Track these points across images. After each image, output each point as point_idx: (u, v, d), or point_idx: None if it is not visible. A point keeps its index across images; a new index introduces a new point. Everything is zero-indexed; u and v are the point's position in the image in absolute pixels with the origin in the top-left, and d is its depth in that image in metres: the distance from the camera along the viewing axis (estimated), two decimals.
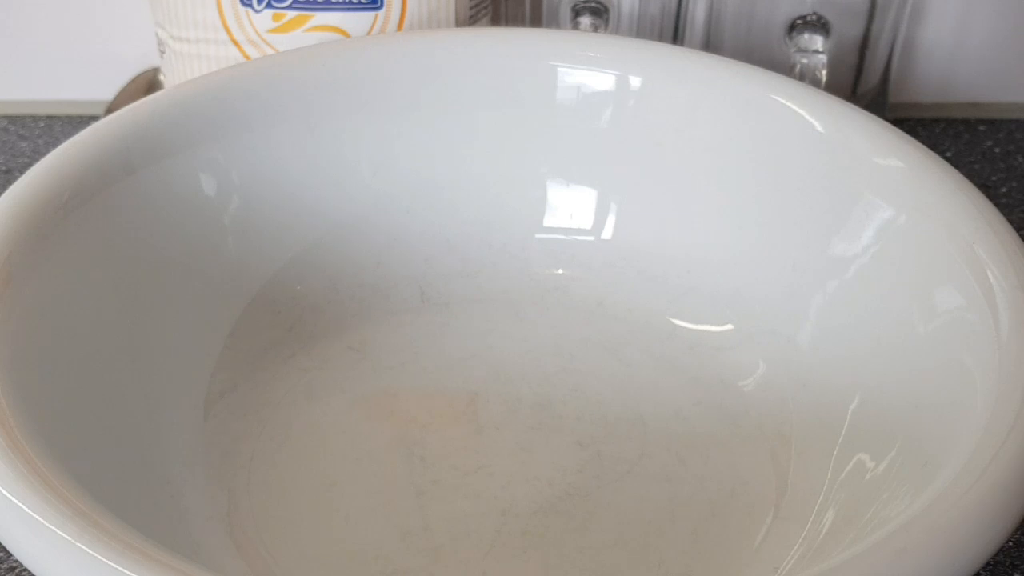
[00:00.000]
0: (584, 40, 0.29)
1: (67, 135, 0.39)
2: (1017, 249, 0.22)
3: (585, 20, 0.36)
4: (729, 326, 0.27)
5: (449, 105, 0.29)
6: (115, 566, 0.16)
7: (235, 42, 0.32)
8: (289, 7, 0.31)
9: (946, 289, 0.22)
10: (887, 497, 0.20)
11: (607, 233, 0.29)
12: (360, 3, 0.31)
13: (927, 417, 0.21)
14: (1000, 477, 0.17)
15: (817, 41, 0.35)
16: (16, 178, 0.23)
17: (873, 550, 0.16)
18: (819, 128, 0.26)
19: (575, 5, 0.36)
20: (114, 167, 0.24)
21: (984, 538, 0.16)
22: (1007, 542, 0.20)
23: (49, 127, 0.40)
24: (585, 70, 0.29)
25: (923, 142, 0.25)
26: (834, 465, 0.23)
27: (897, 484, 0.20)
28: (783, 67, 0.35)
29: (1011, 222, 0.25)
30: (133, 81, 0.39)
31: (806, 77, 0.35)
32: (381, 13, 0.31)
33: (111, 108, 0.38)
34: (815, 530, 0.22)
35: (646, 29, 0.36)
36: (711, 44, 0.36)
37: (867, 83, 0.37)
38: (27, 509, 0.16)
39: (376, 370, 0.27)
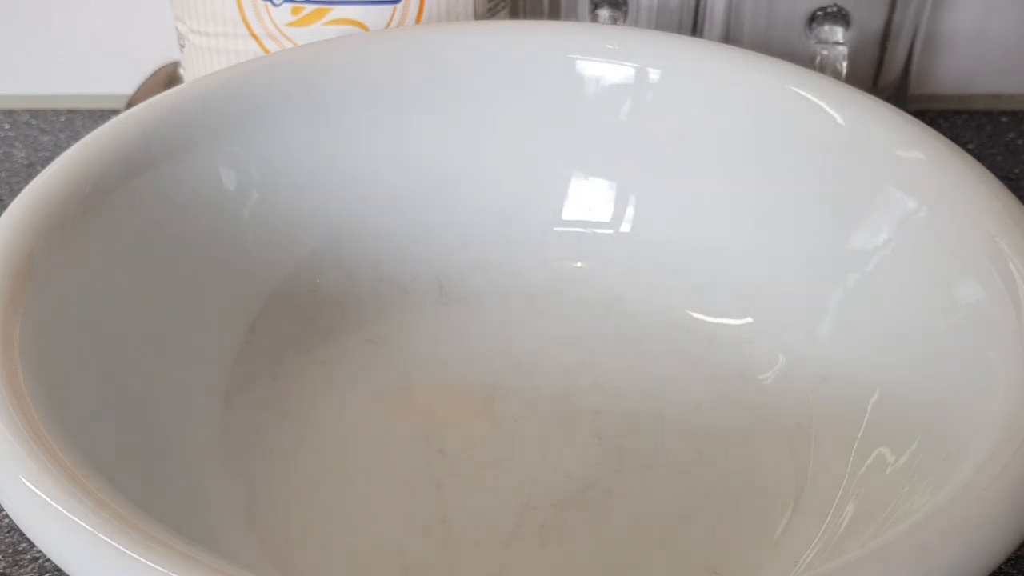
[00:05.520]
0: (603, 33, 0.29)
1: (88, 129, 0.39)
2: None
3: (604, 12, 0.35)
4: (748, 319, 0.27)
5: (467, 98, 0.29)
6: (137, 557, 0.16)
7: (254, 36, 0.32)
8: (308, 1, 0.31)
9: (967, 282, 0.22)
10: (907, 491, 0.20)
11: (626, 226, 0.29)
12: None
13: (948, 411, 0.21)
14: (1022, 471, 0.17)
15: (838, 32, 0.35)
16: (38, 172, 0.24)
17: (893, 545, 0.16)
18: (839, 120, 0.26)
19: None
20: (135, 161, 0.24)
21: (1006, 533, 0.16)
22: None
23: (70, 121, 0.40)
24: (604, 63, 0.28)
25: (945, 134, 0.25)
26: (854, 459, 0.23)
27: (918, 478, 0.20)
28: (803, 59, 0.35)
29: None
30: (153, 75, 0.40)
31: (827, 69, 0.35)
32: (399, 7, 0.31)
33: (132, 102, 0.38)
34: (835, 524, 0.21)
35: (665, 21, 0.36)
36: (731, 36, 0.36)
37: (888, 75, 0.37)
38: (49, 500, 0.16)
39: (394, 363, 0.27)
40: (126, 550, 0.16)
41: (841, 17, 0.35)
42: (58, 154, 0.24)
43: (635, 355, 0.27)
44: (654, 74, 0.28)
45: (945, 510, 0.17)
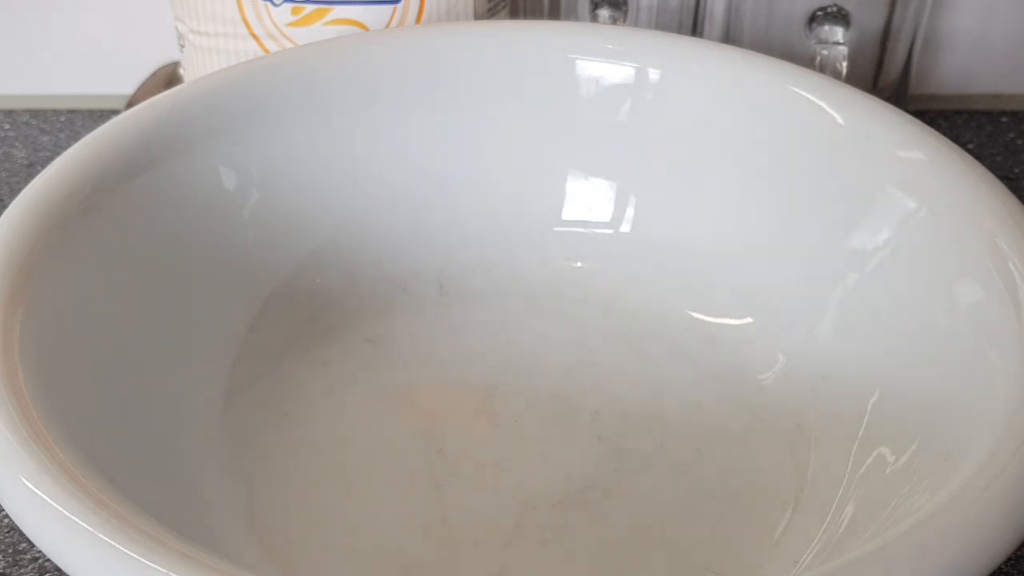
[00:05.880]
0: (603, 33, 0.29)
1: (88, 129, 0.39)
2: None
3: (604, 12, 0.35)
4: (748, 319, 0.27)
5: (467, 98, 0.29)
6: (137, 557, 0.16)
7: (254, 36, 0.32)
8: (308, 1, 0.31)
9: (967, 282, 0.22)
10: (907, 492, 0.20)
11: (625, 226, 0.29)
12: None
13: (948, 411, 0.21)
14: (1022, 472, 0.17)
15: (837, 32, 0.35)
16: (38, 172, 0.24)
17: (893, 544, 0.16)
18: (839, 120, 0.26)
19: None
20: (135, 161, 0.24)
21: (1006, 533, 0.16)
22: None
23: (70, 121, 0.40)
24: (604, 63, 0.28)
25: (945, 134, 0.25)
26: (854, 459, 0.23)
27: (918, 478, 0.20)
28: (803, 59, 0.35)
29: None
30: (153, 75, 0.40)
31: (827, 69, 0.35)
32: (399, 7, 0.31)
33: (132, 102, 0.38)
34: (835, 524, 0.21)
35: (665, 21, 0.36)
36: (731, 36, 0.36)
37: (888, 74, 0.37)
38: (50, 500, 0.16)
39: (394, 363, 0.27)
40: (126, 550, 0.16)
41: (841, 17, 0.35)
42: (58, 154, 0.24)
43: (635, 355, 0.27)
44: (654, 74, 0.28)
45: (945, 510, 0.17)
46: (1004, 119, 0.40)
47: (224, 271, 0.26)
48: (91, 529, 0.16)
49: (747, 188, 0.28)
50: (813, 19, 0.35)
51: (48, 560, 0.24)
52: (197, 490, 0.22)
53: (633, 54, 0.28)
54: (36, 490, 0.17)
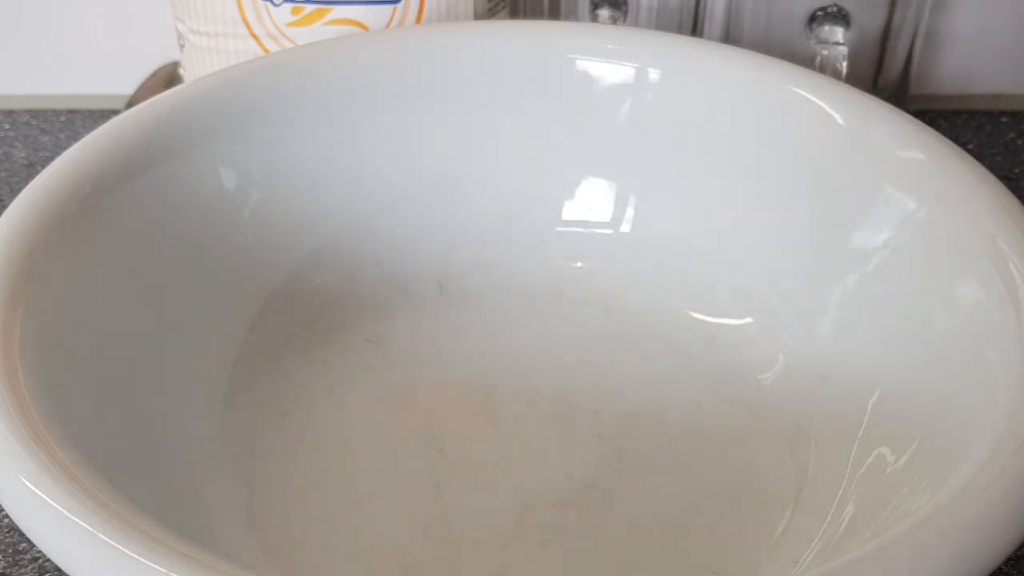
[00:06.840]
0: (603, 33, 0.29)
1: (88, 129, 0.39)
2: None
3: (604, 12, 0.35)
4: (748, 319, 0.27)
5: (467, 98, 0.29)
6: (137, 557, 0.16)
7: (254, 36, 0.32)
8: (308, 1, 0.31)
9: (967, 282, 0.22)
10: (907, 492, 0.20)
11: (626, 226, 0.29)
12: None
13: (948, 411, 0.21)
14: (1022, 472, 0.17)
15: (838, 32, 0.35)
16: (38, 172, 0.24)
17: (893, 544, 0.16)
18: (840, 120, 0.26)
19: None
20: (135, 161, 0.24)
21: (1006, 533, 0.16)
22: None
23: (70, 121, 0.40)
24: (604, 63, 0.29)
25: (945, 134, 0.25)
26: (854, 459, 0.23)
27: (918, 479, 0.20)
28: (803, 59, 0.35)
29: None
30: (153, 75, 0.40)
31: (827, 69, 0.35)
32: (399, 7, 0.31)
33: (132, 102, 0.38)
34: (835, 524, 0.22)
35: (665, 21, 0.36)
36: (731, 36, 0.36)
37: (888, 75, 0.37)
38: (49, 500, 0.16)
39: (394, 363, 0.27)
40: (126, 550, 0.16)
41: (841, 17, 0.35)
42: (58, 154, 0.24)
43: (635, 355, 0.27)
44: (654, 74, 0.28)
45: (945, 510, 0.17)
46: (1004, 119, 0.40)
47: (224, 271, 0.26)
48: (91, 529, 0.16)
49: (747, 188, 0.28)
50: (813, 19, 0.35)
51: (48, 560, 0.24)
52: (197, 490, 0.22)
53: (633, 54, 0.28)
54: (36, 490, 0.17)
